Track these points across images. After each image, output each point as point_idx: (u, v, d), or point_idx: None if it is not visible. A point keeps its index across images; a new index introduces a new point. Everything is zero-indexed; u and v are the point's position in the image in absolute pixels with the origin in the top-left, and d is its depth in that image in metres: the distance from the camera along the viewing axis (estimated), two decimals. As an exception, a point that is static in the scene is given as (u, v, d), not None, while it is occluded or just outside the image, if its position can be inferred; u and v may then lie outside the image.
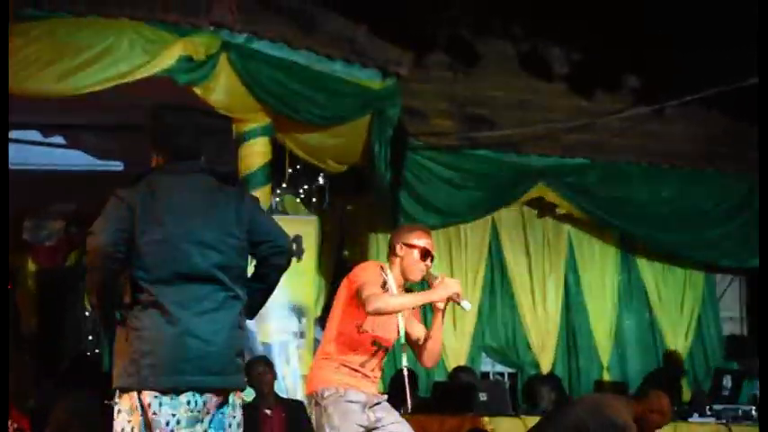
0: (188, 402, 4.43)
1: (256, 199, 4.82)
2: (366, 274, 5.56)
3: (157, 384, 4.38)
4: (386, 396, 5.72)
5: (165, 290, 4.43)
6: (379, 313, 5.42)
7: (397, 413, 5.69)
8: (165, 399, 4.39)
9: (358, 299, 5.44)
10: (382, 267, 5.64)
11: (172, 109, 4.95)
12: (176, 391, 4.39)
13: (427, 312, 6.29)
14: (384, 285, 5.55)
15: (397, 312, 5.56)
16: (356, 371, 5.59)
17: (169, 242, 4.45)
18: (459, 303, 5.38)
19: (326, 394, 5.57)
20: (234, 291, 4.56)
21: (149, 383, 4.38)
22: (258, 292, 4.72)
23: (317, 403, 5.60)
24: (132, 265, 4.44)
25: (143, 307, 4.43)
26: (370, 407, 5.59)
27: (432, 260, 5.65)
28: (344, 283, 5.61)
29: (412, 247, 5.65)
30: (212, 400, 4.48)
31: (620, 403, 7.65)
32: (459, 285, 5.44)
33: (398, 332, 5.65)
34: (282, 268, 4.73)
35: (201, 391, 4.44)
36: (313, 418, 5.63)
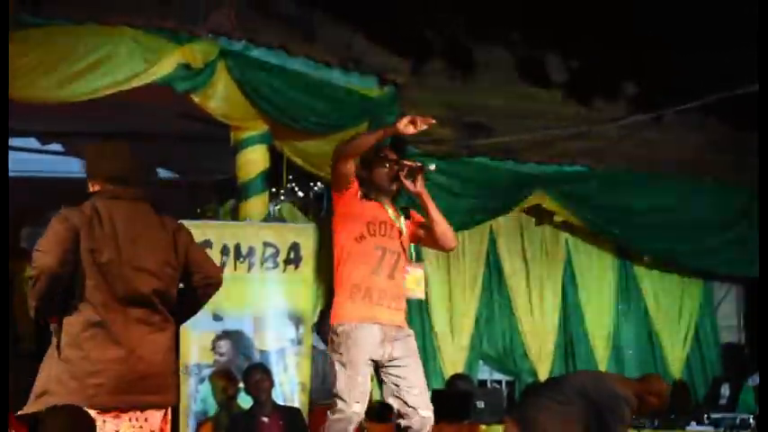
0: (130, 419, 4.70)
1: (189, 232, 5.03)
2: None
3: (103, 403, 4.62)
4: (410, 331, 5.63)
5: (109, 312, 4.68)
6: (350, 154, 5.52)
7: (415, 356, 5.61)
8: (109, 417, 4.63)
9: (339, 197, 5.59)
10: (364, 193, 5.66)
11: (106, 137, 5.32)
12: (121, 410, 4.65)
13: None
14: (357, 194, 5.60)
15: (364, 148, 5.57)
16: (369, 296, 5.54)
17: (112, 266, 4.70)
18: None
19: (339, 330, 5.59)
20: (168, 315, 4.86)
21: (95, 402, 4.61)
22: (181, 316, 5.03)
23: (331, 339, 5.64)
24: (77, 285, 4.68)
25: (86, 327, 4.65)
26: (388, 340, 5.55)
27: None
28: (333, 200, 5.70)
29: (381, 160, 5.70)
30: (154, 415, 4.76)
31: (622, 378, 7.82)
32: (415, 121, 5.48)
33: (400, 231, 5.62)
34: (209, 299, 5.05)
35: (143, 409, 4.72)
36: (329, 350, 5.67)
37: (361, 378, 5.51)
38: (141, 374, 4.70)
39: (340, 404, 5.50)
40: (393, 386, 5.58)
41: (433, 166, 5.52)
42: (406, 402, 5.56)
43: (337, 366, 5.54)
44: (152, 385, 4.74)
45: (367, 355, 5.51)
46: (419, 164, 5.54)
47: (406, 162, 5.64)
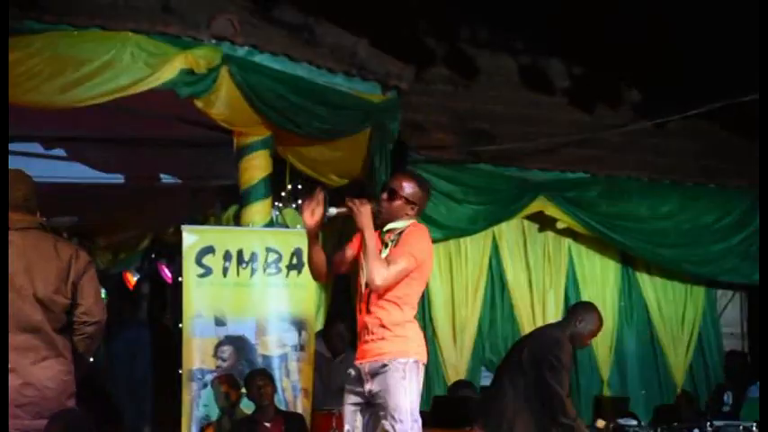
0: None
1: (88, 260, 5.22)
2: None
3: (6, 427, 4.86)
4: (389, 362, 5.53)
5: (11, 341, 4.95)
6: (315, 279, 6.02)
7: (395, 392, 5.49)
8: None
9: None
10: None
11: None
12: None
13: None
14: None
15: (310, 259, 5.83)
16: (359, 333, 5.64)
17: (13, 295, 4.94)
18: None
19: None
20: (62, 341, 5.09)
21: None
22: (80, 343, 5.23)
23: None
24: None
25: None
26: (367, 377, 5.55)
27: (390, 197, 5.68)
28: None
29: None
30: None
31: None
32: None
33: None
34: (89, 335, 5.21)
35: None
36: None
37: (348, 427, 5.62)
38: (32, 400, 4.95)
39: None
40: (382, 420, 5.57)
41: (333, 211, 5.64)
42: None
43: None
44: (44, 410, 4.96)
45: (351, 399, 5.61)
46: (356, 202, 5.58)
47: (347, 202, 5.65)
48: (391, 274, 5.50)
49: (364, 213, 5.55)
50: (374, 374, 5.53)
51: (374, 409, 5.56)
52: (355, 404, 5.59)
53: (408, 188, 5.70)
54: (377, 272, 5.49)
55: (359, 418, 5.59)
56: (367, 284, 5.57)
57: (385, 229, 5.69)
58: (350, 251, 5.76)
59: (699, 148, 10.94)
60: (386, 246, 5.65)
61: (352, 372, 5.59)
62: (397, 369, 5.51)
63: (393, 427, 5.44)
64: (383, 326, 5.57)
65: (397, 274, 5.52)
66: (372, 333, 5.58)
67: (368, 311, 5.60)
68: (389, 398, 5.47)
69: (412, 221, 5.73)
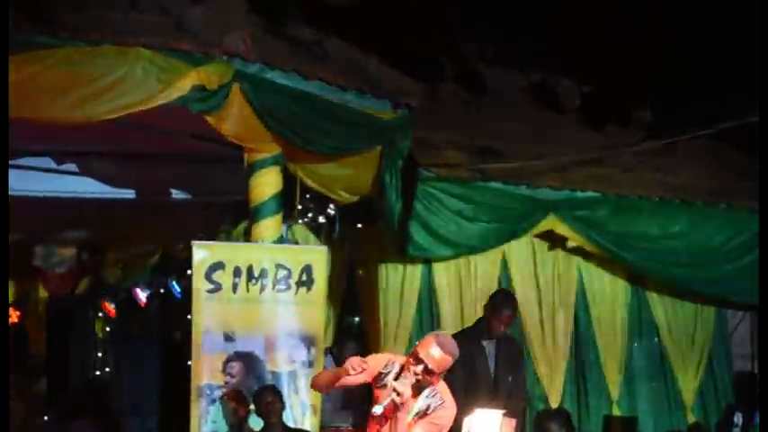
0: None
1: None
2: (368, 359, 5.97)
3: None
4: None
5: None
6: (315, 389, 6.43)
7: None
8: None
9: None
10: (392, 361, 5.92)
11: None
12: None
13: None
14: (379, 376, 5.85)
15: (324, 387, 6.24)
16: None
17: None
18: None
19: None
20: None
21: None
22: None
23: None
24: None
25: None
26: None
27: (424, 369, 5.77)
28: None
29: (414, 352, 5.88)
30: None
31: None
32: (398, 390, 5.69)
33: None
34: None
35: None
36: None
37: None
38: None
39: None
40: None
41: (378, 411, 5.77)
42: None
43: None
44: None
45: None
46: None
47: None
48: None
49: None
50: None
51: None
52: None
53: (445, 365, 5.87)
54: None
55: None
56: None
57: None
58: (361, 378, 5.93)
59: (710, 167, 10.92)
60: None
61: None
62: None
63: None
64: None
65: None
66: None
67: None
68: None
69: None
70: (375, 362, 5.90)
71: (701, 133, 10.14)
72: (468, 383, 7.25)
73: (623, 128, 10.63)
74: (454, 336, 6.36)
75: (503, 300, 8.69)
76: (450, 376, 6.40)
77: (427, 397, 5.84)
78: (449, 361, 5.81)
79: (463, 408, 6.54)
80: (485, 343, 7.92)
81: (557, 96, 10.42)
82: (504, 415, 7.38)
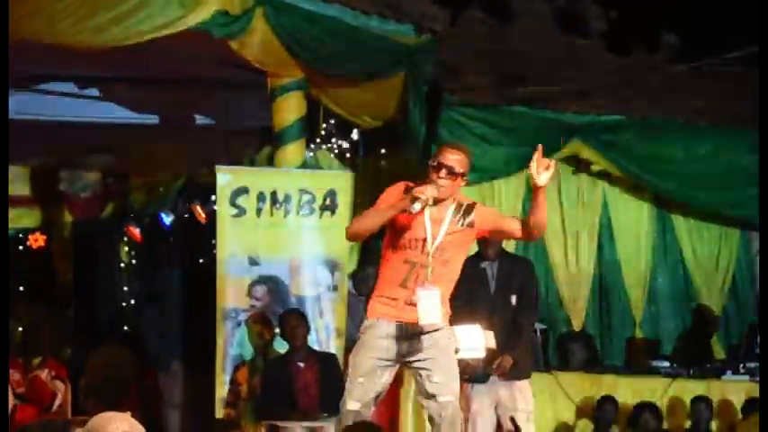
0: None
1: None
2: (382, 195, 5.62)
3: None
4: (441, 325, 5.57)
5: None
6: (353, 238, 5.72)
7: (441, 347, 5.57)
8: None
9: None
10: (411, 187, 5.54)
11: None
12: None
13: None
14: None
15: (368, 229, 5.54)
16: (395, 299, 5.54)
17: None
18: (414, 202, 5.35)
19: (361, 327, 5.67)
20: None
21: None
22: None
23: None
24: None
25: None
26: (406, 338, 5.55)
27: (450, 174, 5.55)
28: None
29: (432, 160, 5.63)
30: None
31: None
32: (429, 190, 5.40)
33: (429, 241, 5.54)
34: None
35: None
36: None
37: (361, 379, 5.55)
38: None
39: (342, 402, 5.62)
40: (418, 378, 5.60)
41: (416, 207, 5.40)
42: (426, 391, 5.57)
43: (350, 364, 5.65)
44: None
45: (374, 356, 5.54)
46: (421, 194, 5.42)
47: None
48: None
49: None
50: (420, 335, 5.54)
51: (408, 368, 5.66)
52: (377, 368, 5.60)
53: (463, 160, 5.64)
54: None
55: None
56: (412, 262, 5.53)
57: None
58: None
59: (736, 90, 10.81)
60: (457, 216, 5.63)
61: (390, 332, 5.56)
62: (445, 330, 5.63)
63: (443, 380, 5.58)
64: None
65: None
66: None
67: (412, 274, 5.54)
68: (439, 352, 5.56)
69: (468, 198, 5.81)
70: (398, 189, 5.59)
71: (728, 57, 10.04)
72: (468, 302, 7.25)
73: (649, 52, 10.53)
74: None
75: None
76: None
77: (455, 211, 5.66)
78: (464, 155, 5.65)
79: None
80: (484, 264, 7.91)
81: (583, 20, 10.31)
82: (505, 336, 7.52)
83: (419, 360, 5.57)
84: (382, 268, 5.65)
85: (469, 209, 5.66)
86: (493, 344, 7.56)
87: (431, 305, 5.48)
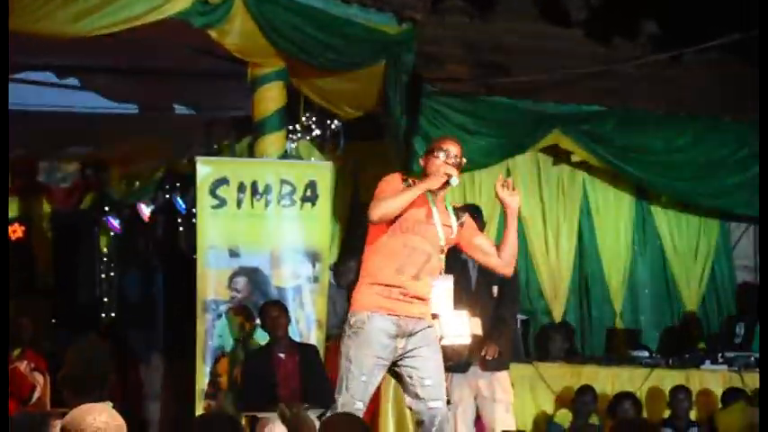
0: None
1: None
2: (382, 184, 5.56)
3: None
4: (430, 323, 5.57)
5: None
6: (382, 219, 5.44)
7: (432, 346, 5.55)
8: None
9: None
10: (405, 178, 5.57)
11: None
12: None
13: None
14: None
15: (395, 210, 5.45)
16: (391, 287, 5.47)
17: None
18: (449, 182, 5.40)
19: (353, 320, 5.52)
20: None
21: None
22: None
23: (345, 330, 5.58)
24: None
25: None
26: (403, 335, 5.50)
27: (455, 163, 5.56)
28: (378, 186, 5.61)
29: (433, 151, 5.61)
30: None
31: None
32: (453, 170, 5.45)
33: (438, 228, 5.56)
34: None
35: None
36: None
37: (364, 378, 5.47)
38: None
39: (338, 399, 5.49)
40: (407, 378, 5.53)
41: (455, 182, 5.51)
42: (417, 395, 5.52)
43: (344, 360, 5.50)
44: None
45: (376, 354, 5.46)
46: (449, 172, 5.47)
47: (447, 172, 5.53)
48: None
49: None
50: (411, 334, 5.51)
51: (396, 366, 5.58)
52: (377, 366, 5.53)
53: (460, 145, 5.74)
54: (514, 258, 5.79)
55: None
56: (413, 248, 5.53)
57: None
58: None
59: (715, 80, 10.84)
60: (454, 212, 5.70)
61: (389, 329, 5.48)
62: (434, 328, 5.65)
63: (434, 383, 5.56)
64: (427, 293, 5.61)
65: None
66: (420, 296, 5.56)
67: (417, 277, 5.54)
68: (429, 351, 5.54)
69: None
70: (395, 181, 5.60)
71: (707, 45, 10.06)
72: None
73: (629, 41, 10.54)
74: None
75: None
76: None
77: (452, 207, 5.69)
78: (457, 143, 5.69)
79: None
80: (465, 256, 7.91)
81: (563, 9, 10.31)
82: (488, 327, 7.53)
83: (411, 358, 5.52)
84: (372, 254, 5.56)
85: (462, 210, 5.70)
86: (479, 331, 7.58)
87: (444, 294, 5.50)
